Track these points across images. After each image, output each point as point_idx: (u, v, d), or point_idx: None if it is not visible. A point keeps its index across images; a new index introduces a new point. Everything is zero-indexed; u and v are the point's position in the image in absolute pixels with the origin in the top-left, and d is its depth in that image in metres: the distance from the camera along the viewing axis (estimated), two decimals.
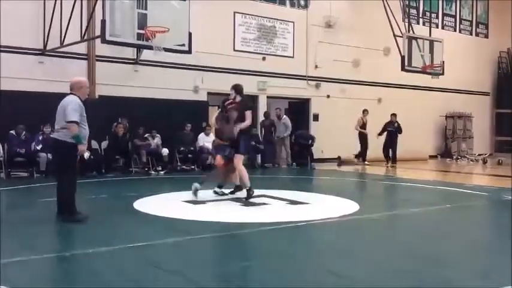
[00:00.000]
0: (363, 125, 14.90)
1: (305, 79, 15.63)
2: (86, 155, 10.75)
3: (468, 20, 20.35)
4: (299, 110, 15.75)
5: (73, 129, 5.40)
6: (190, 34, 10.13)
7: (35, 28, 11.17)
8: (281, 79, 14.97)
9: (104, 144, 11.58)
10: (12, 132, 10.34)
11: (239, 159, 7.26)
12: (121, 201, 7.38)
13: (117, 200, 7.59)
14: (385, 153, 14.91)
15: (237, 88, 7.55)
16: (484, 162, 16.63)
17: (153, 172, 11.59)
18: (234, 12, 14.21)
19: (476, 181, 11.69)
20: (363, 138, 14.90)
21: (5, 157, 10.19)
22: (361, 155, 14.98)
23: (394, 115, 14.98)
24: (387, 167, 14.43)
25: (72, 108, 5.43)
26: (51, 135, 5.62)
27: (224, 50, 13.82)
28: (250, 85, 14.38)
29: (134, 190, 8.40)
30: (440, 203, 7.80)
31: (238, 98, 7.51)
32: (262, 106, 14.89)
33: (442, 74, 14.90)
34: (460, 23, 20.08)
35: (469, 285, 3.62)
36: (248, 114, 7.29)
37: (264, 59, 14.72)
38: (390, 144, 14.84)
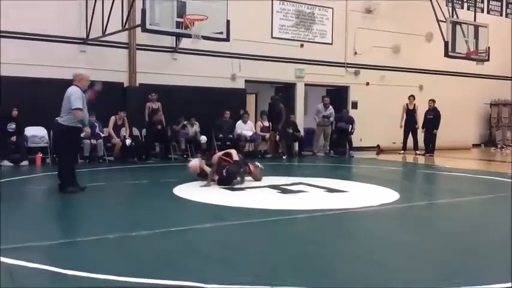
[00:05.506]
0: (408, 111, 14.28)
1: (344, 66, 15.42)
2: (128, 141, 11.07)
3: None
4: (337, 97, 15.55)
5: (78, 114, 6.41)
6: (228, 22, 10.17)
7: (77, 18, 11.43)
8: (319, 66, 14.80)
9: (144, 131, 11.82)
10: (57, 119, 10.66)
11: None
12: (161, 186, 7.56)
13: (157, 186, 7.77)
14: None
15: None
16: None
17: (191, 159, 11.72)
18: None
19: None
20: (406, 126, 14.30)
21: (51, 143, 10.55)
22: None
23: (432, 101, 14.50)
24: (418, 155, 14.07)
25: (76, 97, 6.39)
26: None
27: (262, 38, 13.77)
28: (287, 72, 14.40)
29: (174, 176, 8.56)
30: (482, 193, 7.58)
31: None
32: (299, 94, 14.80)
33: (487, 60, 14.37)
34: (507, 7, 19.26)
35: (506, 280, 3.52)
36: None
37: (302, 46, 14.58)
38: (428, 132, 14.29)
